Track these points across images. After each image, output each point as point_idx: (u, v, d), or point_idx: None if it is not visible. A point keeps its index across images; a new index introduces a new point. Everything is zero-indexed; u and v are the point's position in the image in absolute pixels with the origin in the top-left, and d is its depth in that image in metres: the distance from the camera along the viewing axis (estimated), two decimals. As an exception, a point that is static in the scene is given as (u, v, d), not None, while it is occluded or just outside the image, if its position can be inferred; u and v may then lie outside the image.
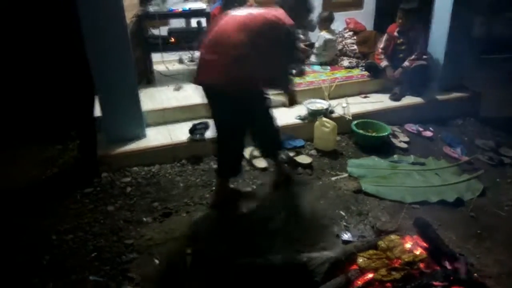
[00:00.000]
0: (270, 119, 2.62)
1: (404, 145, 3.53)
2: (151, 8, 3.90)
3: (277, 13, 2.28)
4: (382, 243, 2.01)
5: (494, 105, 4.27)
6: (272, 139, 2.73)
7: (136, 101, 3.19)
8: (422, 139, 3.70)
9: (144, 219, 2.62)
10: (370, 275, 1.91)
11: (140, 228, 2.53)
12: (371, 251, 1.99)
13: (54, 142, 3.65)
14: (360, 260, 1.95)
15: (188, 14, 4.20)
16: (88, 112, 3.53)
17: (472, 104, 4.17)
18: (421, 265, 1.93)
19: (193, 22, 4.42)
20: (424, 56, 4.10)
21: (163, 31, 4.15)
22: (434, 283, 1.81)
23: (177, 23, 4.57)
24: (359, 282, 1.87)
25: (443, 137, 3.69)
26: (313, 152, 3.43)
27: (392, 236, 2.06)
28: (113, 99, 3.08)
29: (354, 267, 1.99)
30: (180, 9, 3.98)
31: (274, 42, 2.21)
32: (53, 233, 2.51)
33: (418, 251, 1.98)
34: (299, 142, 3.49)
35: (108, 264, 2.25)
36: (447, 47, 4.04)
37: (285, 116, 3.63)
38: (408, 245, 2.00)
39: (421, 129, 3.79)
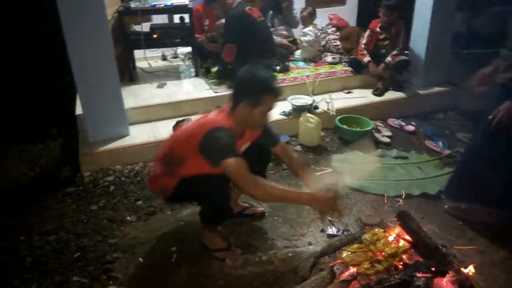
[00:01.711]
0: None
1: (387, 140, 3.57)
2: (133, 4, 3.85)
3: (203, 120, 2.06)
4: (365, 237, 2.03)
5: (475, 98, 4.33)
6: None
7: (118, 99, 3.15)
8: (405, 134, 3.75)
9: (128, 218, 2.59)
10: (355, 269, 1.93)
11: (124, 227, 2.51)
12: (355, 245, 2.00)
13: (35, 141, 3.58)
14: (344, 254, 1.96)
15: (170, 10, 4.15)
16: (68, 110, 3.47)
17: (453, 98, 4.23)
18: (405, 257, 1.96)
19: (176, 18, 4.38)
20: (406, 52, 4.15)
21: (145, 27, 4.10)
22: (417, 274, 1.83)
23: (160, 19, 4.52)
24: (344, 276, 1.88)
25: (425, 131, 3.74)
26: (298, 147, 3.45)
27: (376, 230, 2.07)
28: (94, 97, 3.03)
29: (339, 261, 2.00)
30: (162, 5, 3.94)
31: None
32: (36, 234, 2.47)
33: (401, 243, 2.00)
34: (284, 138, 3.49)
35: (92, 264, 2.22)
36: (429, 42, 4.09)
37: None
38: (391, 238, 2.03)
39: (403, 123, 3.84)
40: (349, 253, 1.96)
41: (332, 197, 1.94)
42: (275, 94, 1.99)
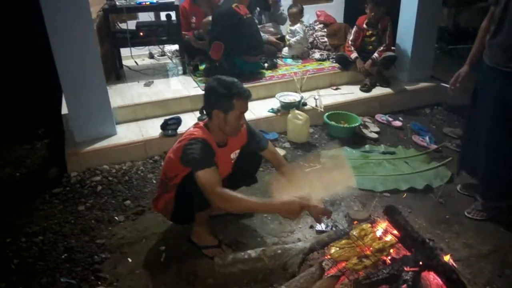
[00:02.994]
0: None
1: (375, 135, 3.60)
2: (118, 2, 3.80)
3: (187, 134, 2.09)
4: (353, 232, 2.04)
5: (461, 93, 4.38)
6: None
7: (104, 98, 3.11)
8: (392, 129, 3.78)
9: (116, 218, 2.57)
10: (343, 264, 1.94)
11: (112, 227, 2.49)
12: (343, 241, 2.01)
13: (21, 142, 3.53)
14: (332, 250, 1.97)
15: (156, 7, 4.12)
16: (54, 109, 3.43)
17: (439, 93, 4.27)
18: (392, 251, 1.97)
19: (163, 16, 4.34)
20: (393, 47, 4.18)
21: (131, 25, 4.06)
22: (405, 268, 1.85)
23: (146, 16, 4.48)
24: (332, 271, 1.89)
25: (412, 126, 3.77)
26: (287, 144, 3.45)
27: (364, 225, 2.09)
28: (80, 96, 2.99)
29: (328, 257, 2.01)
30: (148, 2, 3.89)
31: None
32: (22, 235, 2.43)
33: (388, 238, 2.02)
34: (273, 135, 3.50)
35: (80, 265, 2.20)
36: (415, 38, 4.12)
37: (258, 110, 3.64)
38: (379, 233, 2.04)
39: (390, 119, 3.86)
40: (337, 248, 1.97)
41: (299, 204, 1.91)
42: (243, 96, 2.02)
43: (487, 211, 2.54)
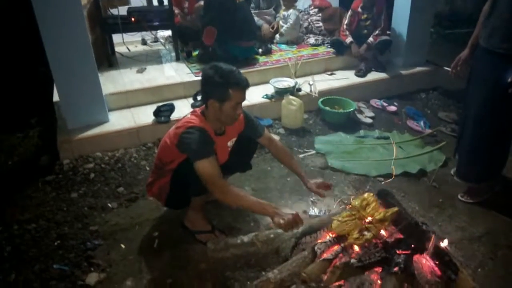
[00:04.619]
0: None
1: (369, 120, 3.59)
2: (109, -13, 3.75)
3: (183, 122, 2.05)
4: (355, 202, 2.03)
5: (462, 77, 4.36)
6: None
7: (96, 85, 3.07)
8: (387, 114, 3.77)
9: (109, 204, 2.56)
10: (336, 247, 1.95)
11: (105, 214, 2.48)
12: (344, 214, 2.00)
13: (14, 131, 3.50)
14: (334, 224, 1.96)
15: (148, -8, 4.05)
16: (46, 98, 3.39)
17: (435, 78, 4.25)
18: (385, 234, 1.98)
19: (155, 1, 4.28)
20: (388, 32, 4.13)
21: (123, 10, 3.99)
22: (397, 251, 1.86)
23: (138, 1, 4.41)
24: (325, 255, 1.89)
25: (407, 111, 3.76)
26: (281, 130, 3.44)
27: (366, 195, 2.07)
28: (71, 84, 2.94)
29: (320, 240, 2.01)
30: (140, -13, 3.84)
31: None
32: (15, 223, 2.42)
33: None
34: (267, 121, 3.48)
35: (73, 252, 2.19)
36: (410, 22, 4.09)
37: (252, 95, 3.61)
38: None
39: (385, 104, 3.85)
40: (339, 222, 1.97)
41: (295, 217, 1.88)
42: (240, 86, 1.96)
43: (480, 194, 2.55)
